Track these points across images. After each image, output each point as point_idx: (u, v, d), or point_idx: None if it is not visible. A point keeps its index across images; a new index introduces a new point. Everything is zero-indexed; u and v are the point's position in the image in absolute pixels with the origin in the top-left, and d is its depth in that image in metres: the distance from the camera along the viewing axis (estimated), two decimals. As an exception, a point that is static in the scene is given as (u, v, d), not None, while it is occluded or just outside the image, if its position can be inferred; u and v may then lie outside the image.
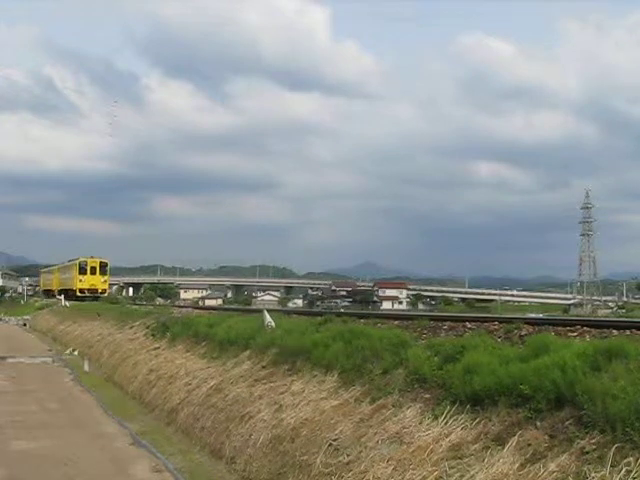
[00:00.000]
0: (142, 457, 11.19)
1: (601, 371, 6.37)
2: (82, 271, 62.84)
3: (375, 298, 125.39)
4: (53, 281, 77.23)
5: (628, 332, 8.55)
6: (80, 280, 62.50)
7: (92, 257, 64.68)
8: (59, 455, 11.15)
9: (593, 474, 5.31)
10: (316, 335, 12.23)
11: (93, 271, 63.23)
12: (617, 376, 6.10)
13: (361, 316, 15.19)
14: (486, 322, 10.95)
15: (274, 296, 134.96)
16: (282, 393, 10.87)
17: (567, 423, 6.16)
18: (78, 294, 60.89)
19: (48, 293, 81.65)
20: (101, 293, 63.47)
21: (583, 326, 9.37)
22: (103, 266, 64.63)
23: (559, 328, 9.49)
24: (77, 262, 63.82)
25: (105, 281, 65.21)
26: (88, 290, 62.03)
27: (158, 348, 20.06)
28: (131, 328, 25.94)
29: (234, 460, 10.25)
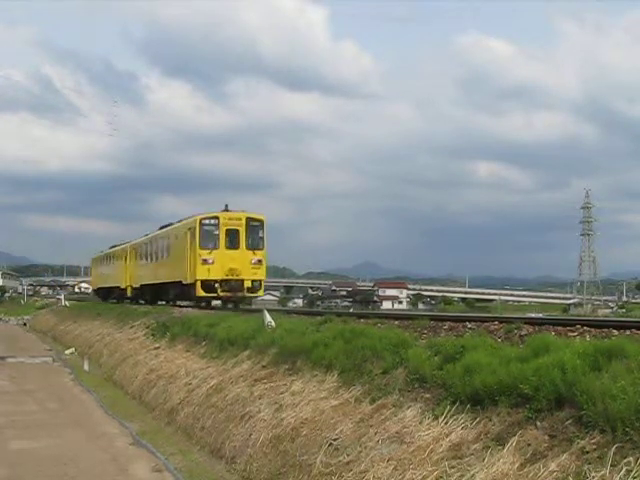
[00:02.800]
0: (142, 457, 11.19)
1: (601, 371, 6.37)
2: (207, 241, 26.92)
3: (375, 298, 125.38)
4: (125, 271, 40.46)
5: (628, 332, 8.53)
6: (204, 262, 26.45)
7: (227, 210, 27.86)
8: (59, 455, 11.15)
9: (593, 474, 5.31)
10: (316, 335, 12.22)
11: (233, 240, 26.95)
12: (617, 376, 6.09)
13: (361, 316, 15.17)
14: (486, 322, 10.93)
15: (274, 296, 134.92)
16: (282, 393, 10.88)
17: (567, 423, 6.16)
18: (200, 294, 26.78)
19: (108, 295, 46.92)
20: (251, 291, 27.31)
21: (583, 326, 9.35)
22: (254, 229, 27.63)
23: (559, 328, 9.47)
24: (196, 221, 27.40)
25: (259, 262, 27.25)
26: (223, 283, 26.45)
27: (158, 348, 20.06)
28: (131, 328, 25.94)
29: (234, 460, 10.25)
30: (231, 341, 15.20)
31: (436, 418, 7.56)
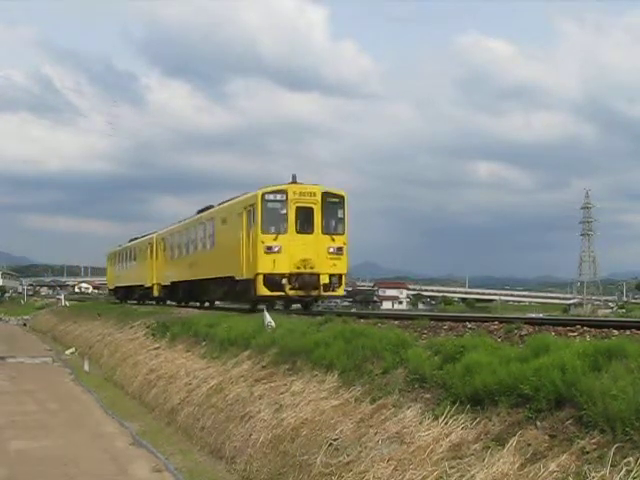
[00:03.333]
0: (142, 457, 11.19)
1: (601, 371, 6.37)
2: (272, 222, 20.53)
3: (375, 298, 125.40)
4: (150, 267, 34.49)
5: (628, 332, 8.53)
6: (268, 250, 19.99)
7: (296, 182, 20.94)
8: (59, 455, 11.16)
9: (593, 474, 5.31)
10: (317, 335, 12.23)
11: (305, 222, 20.68)
12: (617, 376, 6.09)
13: (361, 316, 15.18)
14: (486, 322, 10.93)
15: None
16: (282, 393, 10.88)
17: (567, 423, 6.16)
18: (263, 292, 20.08)
19: (128, 295, 41.96)
20: (328, 289, 20.58)
21: (583, 326, 9.35)
22: (332, 207, 21.21)
23: (559, 328, 9.47)
24: (257, 197, 20.57)
25: (340, 251, 20.74)
26: (293, 279, 20.13)
27: (158, 348, 20.07)
28: (131, 328, 25.95)
29: (234, 460, 10.26)
30: (231, 341, 15.20)
31: (436, 418, 7.56)
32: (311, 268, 20.10)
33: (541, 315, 39.07)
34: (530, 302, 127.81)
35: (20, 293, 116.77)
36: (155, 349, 20.16)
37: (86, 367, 23.24)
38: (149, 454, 11.34)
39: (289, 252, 19.98)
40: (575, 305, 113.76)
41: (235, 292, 22.45)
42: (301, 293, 20.28)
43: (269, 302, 20.49)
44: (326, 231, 20.69)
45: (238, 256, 21.07)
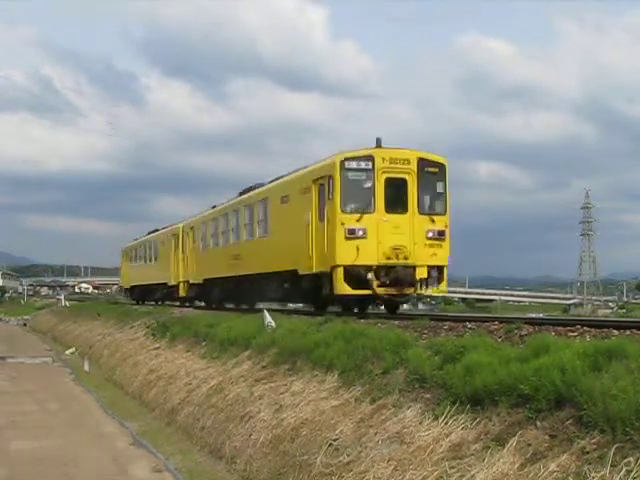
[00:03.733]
0: (142, 457, 11.20)
1: (601, 371, 6.37)
2: (354, 198, 15.51)
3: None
4: (176, 262, 30.09)
5: (628, 332, 8.53)
6: (350, 234, 15.02)
7: (381, 146, 15.91)
8: (59, 455, 11.17)
9: (593, 474, 5.31)
10: (317, 335, 12.23)
11: (397, 198, 15.57)
12: (617, 376, 6.09)
13: (361, 316, 15.16)
14: (486, 322, 10.93)
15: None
16: (282, 393, 10.88)
17: (567, 423, 6.16)
18: (343, 290, 15.17)
19: (145, 295, 38.14)
20: (425, 285, 15.84)
21: (583, 326, 9.36)
22: (430, 179, 15.99)
23: (559, 328, 9.47)
24: (334, 165, 15.42)
25: (441, 236, 15.77)
26: (382, 272, 15.13)
27: (158, 348, 20.08)
28: (131, 328, 25.96)
29: (234, 460, 10.26)
30: (231, 341, 15.20)
31: (436, 418, 7.56)
32: (405, 258, 15.44)
33: (541, 315, 39.06)
34: (530, 302, 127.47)
35: (20, 293, 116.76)
36: (155, 349, 20.16)
37: (86, 367, 23.25)
38: (149, 454, 11.34)
39: (377, 237, 15.34)
40: (575, 305, 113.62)
41: (299, 291, 17.87)
42: (392, 291, 15.58)
43: (349, 303, 17.02)
44: (423, 210, 16.02)
45: (305, 244, 16.42)
